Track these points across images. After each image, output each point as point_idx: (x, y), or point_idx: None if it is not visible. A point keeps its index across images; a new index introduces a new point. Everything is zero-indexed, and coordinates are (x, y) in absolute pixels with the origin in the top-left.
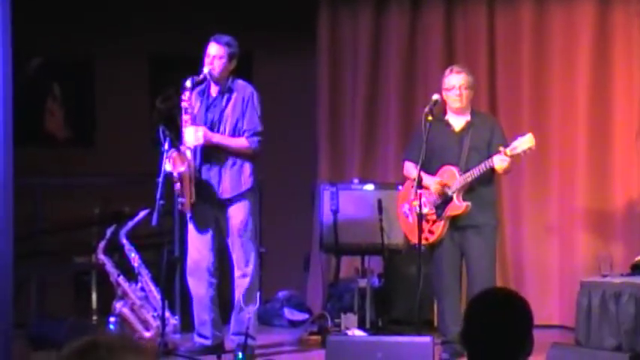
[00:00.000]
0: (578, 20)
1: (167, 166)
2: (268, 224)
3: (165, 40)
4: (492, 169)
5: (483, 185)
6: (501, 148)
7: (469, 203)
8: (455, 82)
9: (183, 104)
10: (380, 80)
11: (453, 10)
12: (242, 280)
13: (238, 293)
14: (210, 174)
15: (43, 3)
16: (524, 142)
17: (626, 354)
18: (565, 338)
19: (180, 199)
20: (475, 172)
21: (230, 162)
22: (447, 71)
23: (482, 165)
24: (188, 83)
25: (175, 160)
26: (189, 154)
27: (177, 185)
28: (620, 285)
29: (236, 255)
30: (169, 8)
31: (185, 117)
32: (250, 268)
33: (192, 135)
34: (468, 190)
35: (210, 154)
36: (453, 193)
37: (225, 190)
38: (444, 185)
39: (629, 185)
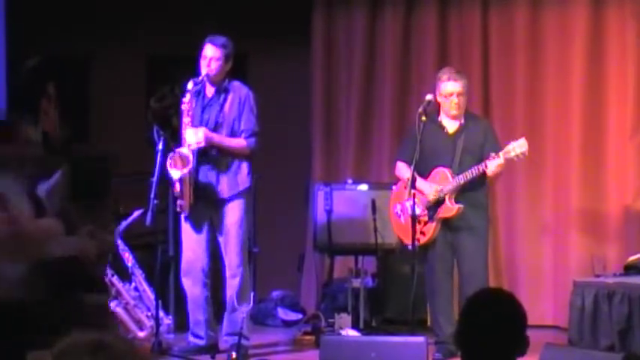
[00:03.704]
0: (572, 22)
1: (174, 173)
2: (262, 224)
3: (162, 41)
4: (484, 173)
5: (475, 187)
6: (493, 154)
7: (461, 205)
8: (452, 89)
9: (184, 106)
10: (374, 81)
11: (448, 11)
12: (233, 280)
13: (230, 293)
14: (207, 175)
15: (40, 2)
16: (517, 147)
17: (619, 354)
18: (558, 338)
19: (179, 202)
20: (468, 175)
21: (227, 163)
22: (444, 77)
23: (476, 169)
24: (190, 85)
25: (177, 162)
26: (191, 157)
27: (177, 187)
28: (613, 285)
29: (228, 255)
30: (166, 8)
31: (185, 119)
32: (241, 269)
33: (194, 136)
34: (460, 191)
35: (208, 155)
36: (445, 195)
37: (223, 190)
38: (440, 192)
39: (622, 186)
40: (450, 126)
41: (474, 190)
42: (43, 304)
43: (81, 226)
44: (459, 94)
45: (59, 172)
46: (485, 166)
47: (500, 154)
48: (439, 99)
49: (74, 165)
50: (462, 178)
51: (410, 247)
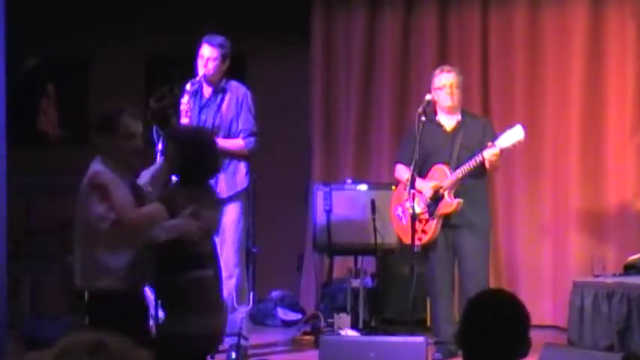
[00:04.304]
0: (572, 22)
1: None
2: (262, 224)
3: (162, 41)
4: (483, 166)
5: (476, 184)
6: (489, 144)
7: (460, 200)
8: (445, 81)
9: (183, 107)
10: (373, 81)
11: (447, 11)
12: (229, 280)
13: (228, 294)
14: None
15: (40, 2)
16: (513, 135)
17: (619, 354)
18: (558, 338)
19: None
20: (465, 168)
21: (225, 163)
22: (437, 71)
23: (473, 160)
24: (189, 86)
25: None
26: None
27: None
28: (612, 285)
29: (224, 255)
30: (166, 8)
31: (184, 120)
32: (237, 269)
33: None
34: (461, 190)
35: None
36: (444, 190)
37: (222, 190)
38: (438, 188)
39: (622, 185)
40: (448, 123)
41: (474, 187)
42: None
43: (183, 208)
44: (452, 86)
45: (160, 160)
46: (482, 157)
47: (496, 143)
48: (434, 95)
49: (181, 149)
50: (459, 172)
51: (412, 247)
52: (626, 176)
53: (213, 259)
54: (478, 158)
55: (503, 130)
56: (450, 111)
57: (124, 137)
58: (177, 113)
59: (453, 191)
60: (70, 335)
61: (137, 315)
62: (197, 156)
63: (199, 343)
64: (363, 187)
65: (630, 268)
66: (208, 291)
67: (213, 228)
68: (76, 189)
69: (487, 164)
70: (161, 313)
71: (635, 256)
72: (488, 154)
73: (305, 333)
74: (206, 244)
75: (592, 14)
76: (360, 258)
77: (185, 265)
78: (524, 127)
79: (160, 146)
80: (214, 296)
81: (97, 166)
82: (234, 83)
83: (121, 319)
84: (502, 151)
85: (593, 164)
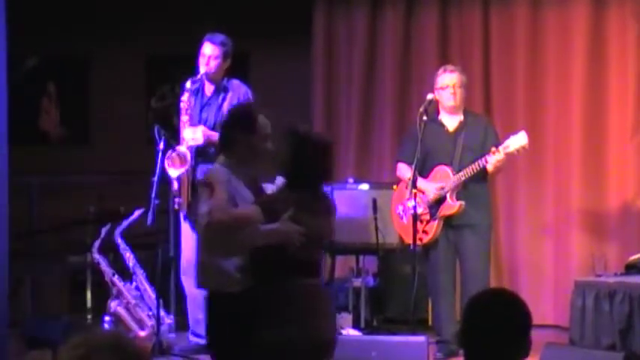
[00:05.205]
0: (573, 21)
1: (173, 172)
2: None
3: (162, 41)
4: (485, 169)
5: (477, 185)
6: (493, 149)
7: (463, 202)
8: (448, 81)
9: (182, 105)
10: (375, 80)
11: (448, 11)
12: None
13: None
14: None
15: (40, 2)
16: (517, 141)
17: (621, 353)
18: (559, 338)
19: (177, 199)
20: (468, 172)
21: None
22: (440, 70)
23: (476, 164)
24: (188, 84)
25: (175, 161)
26: (188, 155)
27: (175, 185)
28: (614, 284)
29: None
30: (166, 8)
31: (184, 118)
32: None
33: (191, 135)
34: (462, 190)
35: (205, 153)
36: (447, 192)
37: None
38: (441, 190)
39: (623, 185)
40: (450, 124)
41: (475, 188)
42: (256, 292)
43: (283, 213)
44: (455, 86)
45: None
46: (486, 162)
47: (500, 148)
48: (437, 95)
49: (291, 151)
50: (462, 175)
51: (412, 247)
52: (627, 176)
53: (321, 267)
54: (482, 162)
55: (505, 130)
56: (453, 111)
57: (260, 138)
58: (177, 112)
59: (455, 193)
60: (88, 333)
61: (252, 317)
62: (307, 160)
63: (298, 352)
64: (365, 186)
65: (631, 268)
66: (313, 300)
67: (321, 235)
68: (77, 188)
69: (490, 167)
70: (162, 313)
71: (637, 256)
72: (493, 159)
73: None
74: (313, 252)
75: (593, 14)
76: (361, 257)
77: (290, 271)
78: (525, 127)
79: (161, 146)
80: (321, 305)
81: (215, 165)
82: (235, 82)
83: (237, 321)
84: (506, 156)
85: (594, 164)
